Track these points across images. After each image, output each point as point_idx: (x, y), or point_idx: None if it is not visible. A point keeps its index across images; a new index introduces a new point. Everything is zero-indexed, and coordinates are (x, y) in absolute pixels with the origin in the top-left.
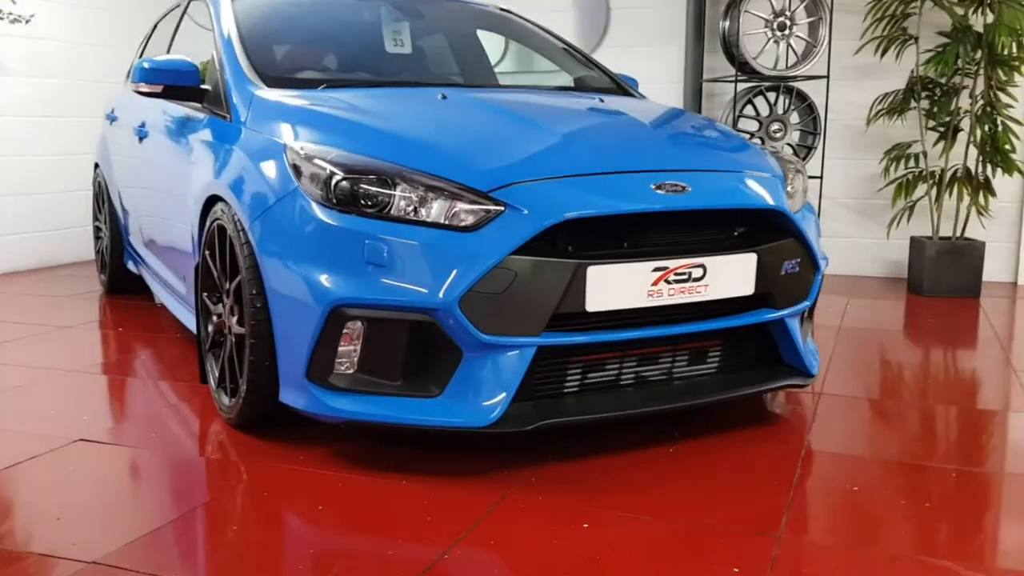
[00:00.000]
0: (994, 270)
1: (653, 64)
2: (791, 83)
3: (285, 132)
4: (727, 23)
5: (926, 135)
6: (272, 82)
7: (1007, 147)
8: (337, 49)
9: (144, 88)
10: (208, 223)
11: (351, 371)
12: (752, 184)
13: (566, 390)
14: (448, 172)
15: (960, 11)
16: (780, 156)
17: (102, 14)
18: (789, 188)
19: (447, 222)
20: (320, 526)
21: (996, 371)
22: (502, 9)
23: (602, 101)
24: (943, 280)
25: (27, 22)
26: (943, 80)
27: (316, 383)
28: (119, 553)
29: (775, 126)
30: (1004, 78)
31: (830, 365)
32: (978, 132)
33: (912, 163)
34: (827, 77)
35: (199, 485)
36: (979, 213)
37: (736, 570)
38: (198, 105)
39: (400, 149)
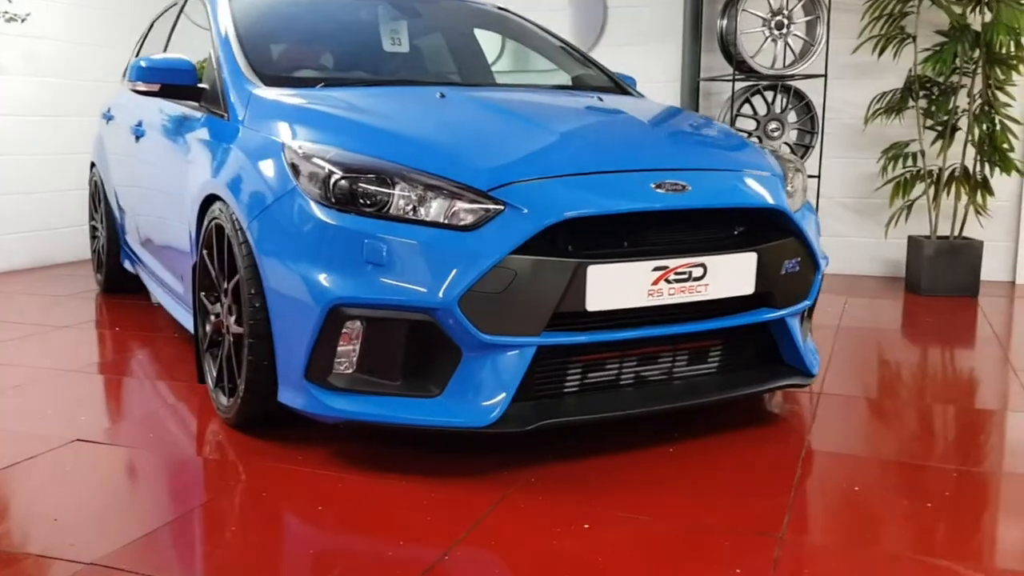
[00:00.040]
0: (992, 269)
1: (650, 63)
2: (789, 82)
3: (283, 131)
4: (724, 22)
5: (924, 134)
6: (270, 81)
7: (1005, 146)
8: (334, 48)
9: (141, 87)
10: (206, 222)
11: (350, 371)
12: (752, 183)
13: (566, 390)
14: (447, 171)
15: (958, 10)
16: (779, 155)
17: (101, 13)
18: (789, 187)
19: (446, 221)
20: (319, 527)
21: (995, 370)
22: (500, 8)
23: (601, 100)
24: (941, 279)
25: (23, 21)
26: (941, 79)
27: (315, 383)
28: (117, 554)
29: (773, 125)
30: (1002, 77)
31: (829, 365)
32: (976, 131)
33: (910, 162)
34: (825, 76)
35: (197, 486)
36: (977, 212)
37: (738, 571)
38: (195, 104)
39: (399, 148)
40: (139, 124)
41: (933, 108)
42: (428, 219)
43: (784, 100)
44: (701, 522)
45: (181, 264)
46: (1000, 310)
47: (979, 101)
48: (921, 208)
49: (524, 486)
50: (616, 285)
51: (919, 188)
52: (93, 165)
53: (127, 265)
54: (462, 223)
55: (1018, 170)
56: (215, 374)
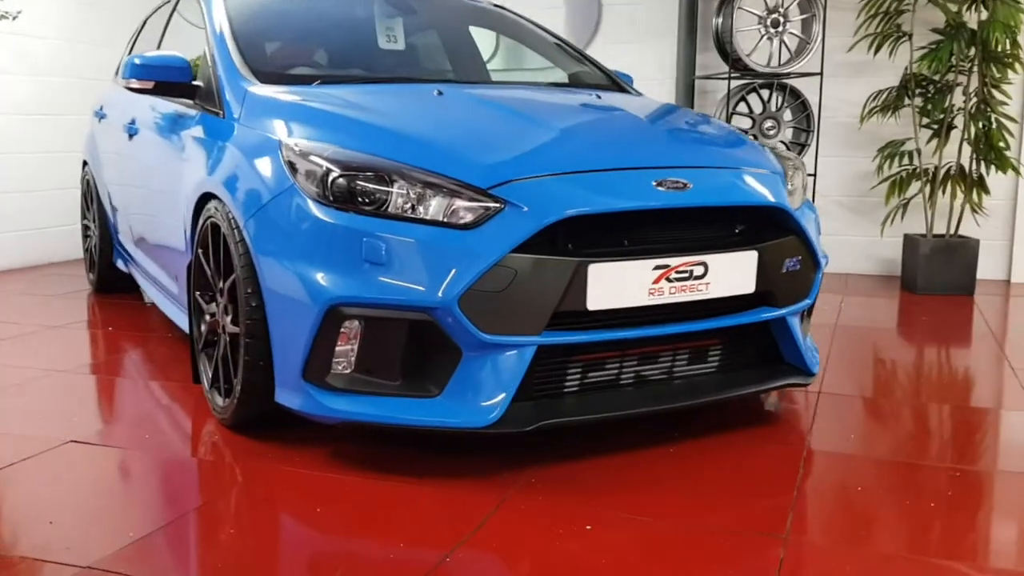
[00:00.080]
0: (987, 268)
1: (645, 61)
2: (784, 80)
3: (279, 128)
4: (720, 20)
5: (920, 132)
6: (265, 78)
7: (1001, 144)
8: (330, 45)
9: (135, 84)
10: (201, 221)
11: (348, 371)
12: (753, 181)
13: (566, 390)
14: (446, 169)
15: (954, 8)
16: (779, 153)
17: (95, 12)
18: (789, 186)
19: (446, 219)
20: (318, 529)
21: (994, 369)
22: (496, 5)
23: (599, 97)
24: (937, 278)
25: (14, 18)
26: (937, 77)
27: (313, 383)
28: (114, 557)
29: (768, 123)
30: (998, 75)
31: (828, 364)
32: (972, 129)
33: (906, 160)
34: (820, 74)
35: (194, 488)
36: (973, 211)
37: (742, 573)
38: (190, 102)
39: (397, 145)
40: (132, 122)
41: (929, 106)
42: (427, 217)
43: (780, 98)
44: (703, 523)
45: (176, 263)
46: (996, 309)
47: (975, 99)
48: (917, 206)
49: (524, 487)
50: (617, 284)
51: (915, 186)
52: (85, 164)
53: (120, 264)
54: (461, 221)
55: (1014, 168)
56: (210, 374)
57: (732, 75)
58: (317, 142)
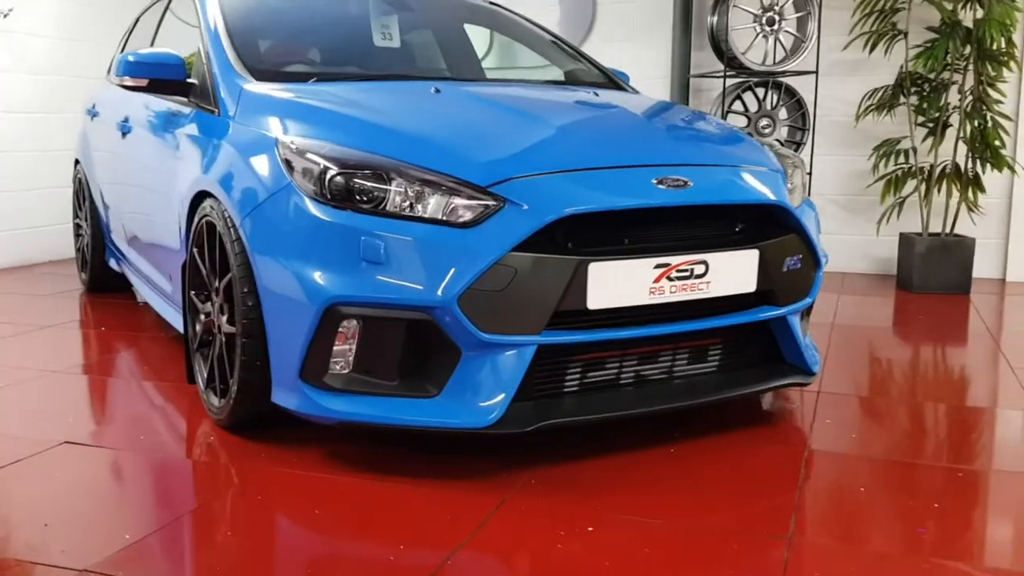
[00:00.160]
0: (983, 266)
1: (640, 59)
2: (780, 78)
3: (275, 126)
4: (715, 18)
5: (915, 131)
6: (260, 75)
7: (997, 143)
8: (325, 43)
9: (129, 81)
10: (196, 219)
11: (346, 371)
12: (754, 179)
13: (566, 390)
14: (445, 166)
15: (949, 6)
16: (779, 151)
17: (89, 9)
18: (789, 184)
19: (445, 218)
20: (316, 530)
21: (992, 368)
22: (492, 3)
23: (597, 95)
24: (933, 276)
25: (5, 16)
26: (932, 75)
27: (310, 383)
28: (110, 561)
29: (764, 122)
30: (993, 73)
31: (826, 363)
32: (967, 128)
33: (901, 159)
34: (816, 72)
35: (190, 489)
36: (969, 209)
37: (747, 574)
38: (184, 99)
39: (395, 143)
40: (125, 120)
41: (924, 105)
42: (426, 216)
43: (775, 97)
44: (705, 523)
45: (170, 262)
46: (992, 307)
47: (970, 98)
48: (913, 205)
49: (524, 487)
50: (618, 283)
51: (910, 185)
52: (77, 162)
53: (112, 263)
54: (461, 220)
55: (1010, 167)
56: (206, 374)
57: (727, 73)
58: (314, 140)
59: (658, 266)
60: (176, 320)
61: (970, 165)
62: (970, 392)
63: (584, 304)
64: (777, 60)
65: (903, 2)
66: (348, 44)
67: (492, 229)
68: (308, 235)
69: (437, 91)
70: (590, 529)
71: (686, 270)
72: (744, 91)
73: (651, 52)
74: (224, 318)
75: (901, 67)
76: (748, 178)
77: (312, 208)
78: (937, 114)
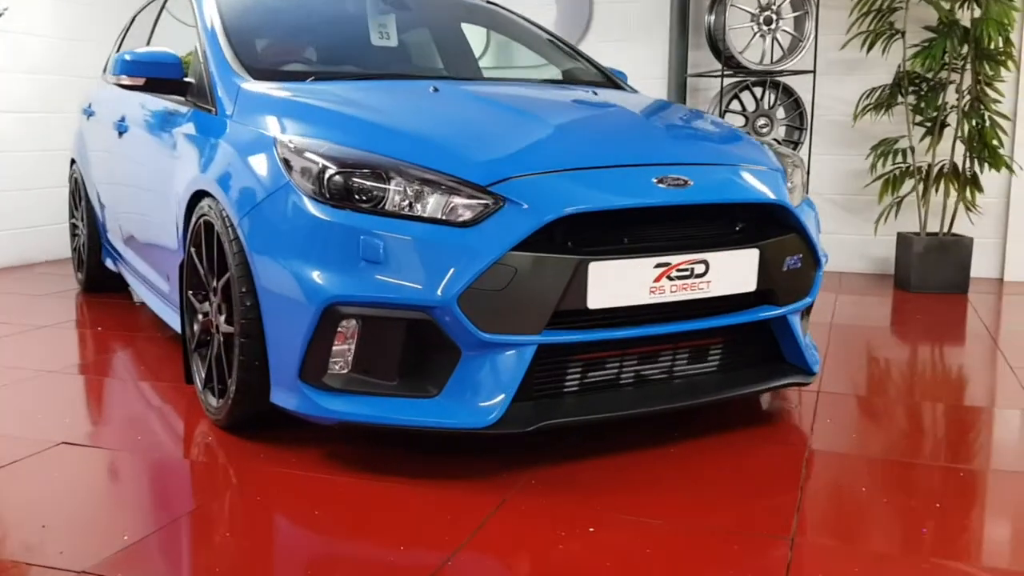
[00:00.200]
0: (981, 266)
1: (637, 59)
2: (777, 78)
3: (273, 125)
4: (712, 17)
5: (913, 130)
6: (258, 74)
7: (994, 142)
8: (323, 42)
9: (125, 80)
10: (194, 219)
11: (345, 371)
12: (754, 178)
13: (566, 390)
14: (444, 166)
15: (947, 5)
16: (778, 150)
17: (87, 8)
18: (789, 183)
19: (444, 217)
20: (316, 531)
21: (991, 368)
22: (489, 2)
23: (596, 94)
24: (930, 276)
25: (1, 15)
26: (930, 75)
27: (309, 383)
28: (108, 562)
29: (761, 121)
30: (991, 73)
31: (825, 363)
32: (965, 127)
33: (899, 158)
34: (813, 72)
35: (188, 490)
36: (967, 209)
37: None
38: (181, 98)
39: (394, 142)
40: (122, 119)
41: (922, 104)
42: (425, 215)
43: (773, 96)
44: (707, 524)
45: (167, 262)
46: (989, 307)
47: (968, 97)
48: (910, 205)
49: (525, 488)
50: (618, 282)
51: (908, 184)
52: (73, 162)
53: (109, 263)
54: (460, 219)
55: (1007, 166)
56: (203, 375)
57: (725, 73)
58: (312, 139)
59: (658, 265)
60: (173, 320)
61: (968, 164)
62: (969, 392)
63: (584, 304)
64: (775, 59)
65: (900, 1)
66: (345, 43)
67: (492, 228)
68: (307, 234)
69: (436, 90)
70: (591, 529)
71: (686, 269)
72: (742, 90)
73: (648, 51)
74: (222, 318)
75: (899, 66)
76: (748, 177)
77: (311, 207)
78: (935, 113)
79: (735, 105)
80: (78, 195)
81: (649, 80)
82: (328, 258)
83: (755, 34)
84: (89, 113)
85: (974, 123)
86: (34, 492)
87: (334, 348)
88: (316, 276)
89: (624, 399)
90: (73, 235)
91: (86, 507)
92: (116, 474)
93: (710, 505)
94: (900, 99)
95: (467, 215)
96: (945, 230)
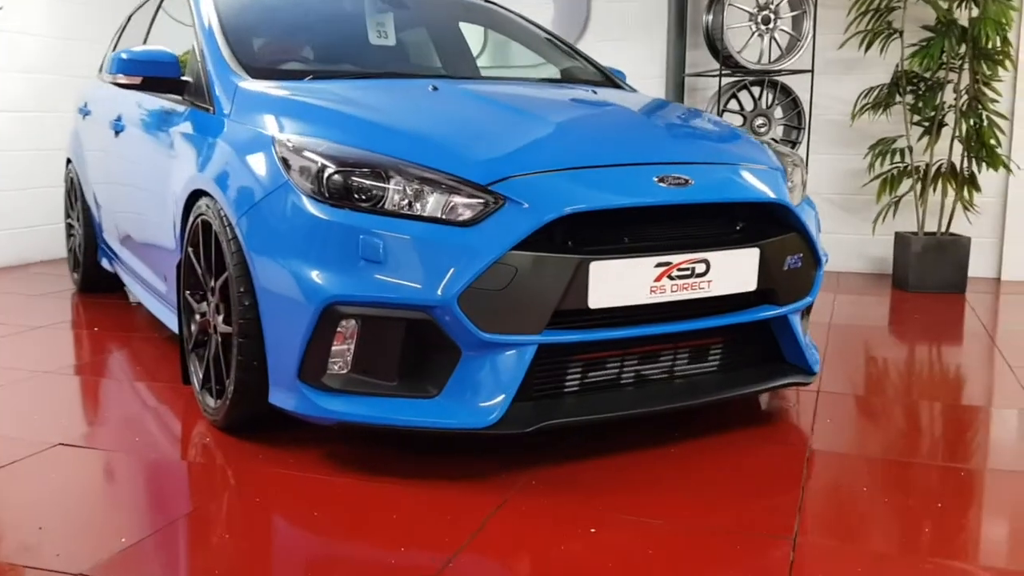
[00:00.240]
0: (978, 265)
1: (635, 58)
2: (775, 77)
3: (271, 124)
4: (710, 17)
5: (911, 130)
6: (256, 73)
7: (992, 142)
8: (321, 41)
9: (122, 79)
10: (191, 219)
11: (345, 371)
12: (754, 177)
13: (566, 390)
14: (444, 164)
15: (944, 5)
16: (778, 149)
17: (84, 8)
18: (789, 183)
19: (444, 216)
20: (315, 532)
21: (989, 367)
22: (487, 0)
23: (595, 93)
24: (928, 276)
25: None
26: (928, 74)
27: (308, 384)
28: (106, 565)
29: (759, 121)
30: (989, 72)
31: (824, 362)
32: (963, 126)
33: (897, 158)
34: (811, 71)
35: (186, 491)
36: (964, 208)
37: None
38: (178, 97)
39: (393, 141)
40: (118, 119)
41: (920, 104)
42: (425, 214)
43: (771, 96)
44: (708, 524)
45: (164, 262)
46: (987, 307)
47: (966, 96)
48: (908, 204)
49: (525, 488)
50: (619, 282)
51: (906, 184)
52: (69, 161)
53: (104, 263)
54: (460, 218)
55: (1005, 166)
56: (201, 375)
57: (723, 72)
58: (311, 137)
59: (659, 265)
60: (171, 320)
61: (966, 164)
62: (968, 391)
63: (585, 303)
64: (772, 59)
65: (898, 1)
66: (343, 42)
67: (492, 228)
68: (306, 234)
69: (435, 89)
70: (592, 530)
71: (687, 269)
72: (740, 90)
73: (646, 51)
74: (220, 318)
75: (897, 66)
76: (748, 176)
77: (310, 206)
78: (933, 113)
79: (733, 104)
80: (74, 195)
81: (647, 79)
82: (327, 257)
83: (753, 33)
84: (85, 112)
85: (972, 122)
86: (31, 494)
87: (333, 348)
88: (315, 276)
89: (625, 399)
90: (69, 235)
91: (83, 509)
92: (113, 475)
93: (711, 505)
94: (898, 98)
95: (467, 214)
96: (943, 230)
